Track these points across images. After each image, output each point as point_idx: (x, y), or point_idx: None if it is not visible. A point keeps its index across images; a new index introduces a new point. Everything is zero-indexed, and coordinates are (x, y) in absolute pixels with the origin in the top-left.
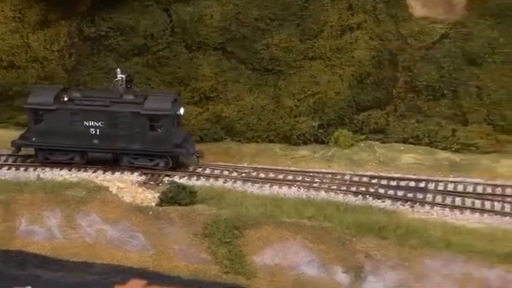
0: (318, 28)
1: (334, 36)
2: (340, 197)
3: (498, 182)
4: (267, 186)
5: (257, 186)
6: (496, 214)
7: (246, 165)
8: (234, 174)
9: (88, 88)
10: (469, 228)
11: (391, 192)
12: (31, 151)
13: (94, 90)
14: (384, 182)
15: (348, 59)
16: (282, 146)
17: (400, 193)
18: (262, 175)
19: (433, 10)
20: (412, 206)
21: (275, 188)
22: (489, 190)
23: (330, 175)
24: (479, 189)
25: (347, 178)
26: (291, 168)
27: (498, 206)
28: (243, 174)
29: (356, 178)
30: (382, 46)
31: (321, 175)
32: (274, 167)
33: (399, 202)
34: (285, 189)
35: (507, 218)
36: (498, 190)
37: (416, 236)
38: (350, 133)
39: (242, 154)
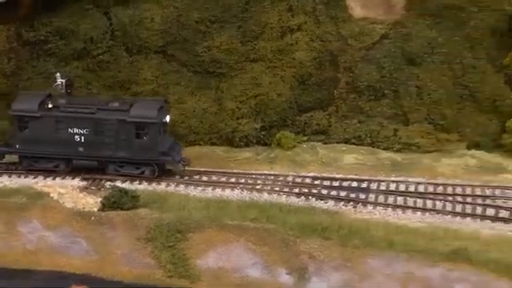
0: (259, 30)
1: (274, 38)
2: (283, 198)
3: (439, 181)
4: (210, 188)
5: (200, 188)
6: (437, 213)
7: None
8: (177, 177)
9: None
10: (411, 227)
11: (334, 193)
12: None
13: (80, 98)
14: (327, 182)
15: (289, 61)
16: (224, 149)
17: (343, 193)
18: (205, 178)
19: (372, 11)
20: (354, 207)
21: (218, 191)
22: (430, 188)
23: (272, 177)
24: (421, 188)
25: (290, 179)
26: (234, 170)
27: (439, 204)
28: (185, 178)
29: (299, 180)
30: (322, 47)
31: (263, 177)
32: (217, 170)
33: (342, 203)
34: (228, 191)
35: (449, 216)
36: (440, 189)
37: (359, 236)
38: (292, 134)
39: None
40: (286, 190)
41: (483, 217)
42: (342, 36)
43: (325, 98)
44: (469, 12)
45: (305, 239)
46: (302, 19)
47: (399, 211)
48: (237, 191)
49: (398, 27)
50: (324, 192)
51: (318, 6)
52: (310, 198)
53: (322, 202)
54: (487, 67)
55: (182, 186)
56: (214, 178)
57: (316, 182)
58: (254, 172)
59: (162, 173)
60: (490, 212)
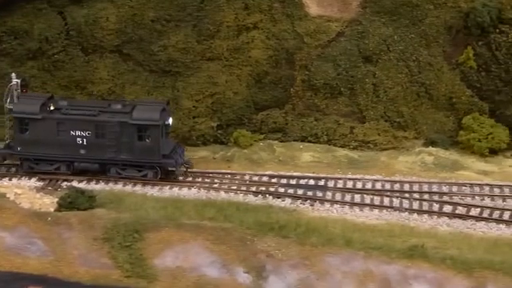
0: (215, 28)
1: (230, 36)
2: (240, 197)
3: (396, 178)
4: (167, 187)
5: (157, 188)
6: (395, 210)
7: None
8: (180, 179)
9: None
10: (368, 225)
11: (291, 191)
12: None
13: (82, 100)
14: (284, 180)
15: (245, 59)
16: None
17: (300, 191)
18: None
19: (328, 9)
20: (312, 205)
21: (175, 190)
22: (387, 186)
23: (229, 175)
24: (378, 185)
25: (247, 177)
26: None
27: (396, 202)
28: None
29: (256, 178)
30: (278, 46)
31: (221, 176)
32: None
33: (299, 201)
34: (185, 190)
35: (406, 213)
36: (397, 186)
37: (316, 234)
38: (249, 133)
39: None
40: (244, 188)
41: (440, 214)
42: (298, 34)
43: (281, 96)
44: (424, 9)
45: (262, 238)
46: (257, 17)
47: (357, 209)
48: (194, 190)
49: (354, 25)
50: (281, 190)
51: (273, 4)
52: (268, 196)
53: (280, 200)
54: (443, 64)
55: (139, 186)
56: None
57: (273, 181)
58: (211, 171)
59: (165, 175)
60: (447, 209)
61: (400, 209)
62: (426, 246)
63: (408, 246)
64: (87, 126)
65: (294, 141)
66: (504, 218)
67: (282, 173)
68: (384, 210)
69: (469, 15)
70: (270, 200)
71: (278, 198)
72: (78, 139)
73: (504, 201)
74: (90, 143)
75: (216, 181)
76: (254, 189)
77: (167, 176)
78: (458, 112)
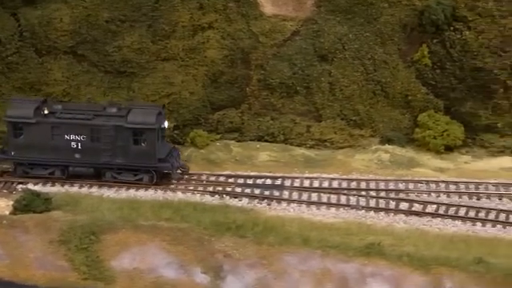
0: (170, 28)
1: (186, 36)
2: (197, 197)
3: (353, 177)
4: (123, 189)
5: (113, 189)
6: (352, 208)
7: None
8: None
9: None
10: (325, 223)
11: (248, 190)
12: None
13: (76, 103)
14: (241, 180)
15: (201, 59)
16: None
17: (257, 191)
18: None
19: (283, 8)
20: (269, 204)
21: (132, 191)
22: (344, 184)
23: (186, 176)
24: (335, 184)
25: (204, 178)
26: None
27: (353, 200)
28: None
29: (213, 178)
30: (234, 45)
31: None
32: None
33: (256, 200)
34: (141, 191)
35: (362, 211)
36: (353, 184)
37: (274, 233)
38: (206, 132)
39: None
40: (201, 188)
41: (397, 211)
42: (254, 33)
43: (237, 96)
44: (379, 8)
45: (219, 238)
46: (212, 17)
47: (314, 207)
48: (151, 191)
49: (309, 24)
50: (238, 190)
51: (228, 3)
52: (225, 196)
53: (237, 200)
54: (398, 62)
55: (95, 188)
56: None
57: (230, 180)
58: (167, 171)
59: (161, 179)
60: (404, 206)
61: (357, 207)
62: (382, 243)
63: (365, 243)
64: (82, 130)
65: (251, 140)
66: (460, 215)
67: (239, 172)
68: (341, 209)
69: (423, 13)
70: (227, 200)
71: (235, 197)
72: (73, 143)
73: (460, 197)
74: (84, 147)
75: (173, 181)
76: (211, 189)
77: (163, 180)
78: (414, 109)
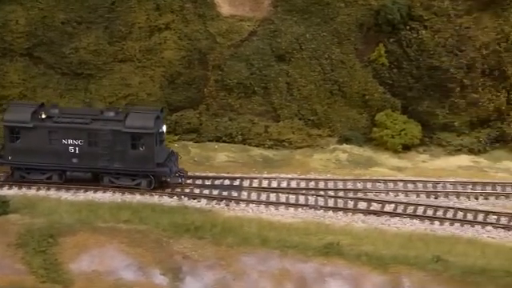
0: (127, 30)
1: (142, 37)
2: (155, 198)
3: (311, 176)
4: (81, 191)
5: (71, 192)
6: (310, 208)
7: None
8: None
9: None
10: (284, 223)
11: (206, 191)
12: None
13: (74, 107)
14: (199, 181)
15: (158, 60)
16: None
17: (215, 192)
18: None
19: (240, 8)
20: (227, 205)
21: (90, 193)
22: (302, 184)
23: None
24: (293, 184)
25: (163, 179)
26: None
27: (311, 199)
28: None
29: None
30: (191, 46)
31: None
32: None
33: (215, 201)
34: (100, 193)
35: (321, 211)
36: (312, 184)
37: (232, 234)
38: None
39: None
40: (159, 190)
41: (355, 210)
42: (211, 34)
43: (195, 97)
44: (336, 7)
45: (178, 239)
46: (169, 18)
47: (272, 208)
48: (109, 193)
49: (266, 24)
50: (197, 191)
51: (185, 4)
52: (183, 197)
53: (195, 201)
54: (355, 62)
55: (52, 190)
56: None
57: (188, 181)
58: None
59: (159, 184)
60: (362, 205)
61: (315, 207)
62: (341, 243)
63: (324, 243)
64: (79, 135)
65: (209, 141)
66: (418, 214)
67: (198, 173)
68: (299, 209)
69: (379, 13)
70: (186, 201)
71: (194, 198)
72: (71, 148)
73: (418, 196)
74: (82, 152)
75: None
76: (169, 190)
77: (161, 185)
78: (371, 109)
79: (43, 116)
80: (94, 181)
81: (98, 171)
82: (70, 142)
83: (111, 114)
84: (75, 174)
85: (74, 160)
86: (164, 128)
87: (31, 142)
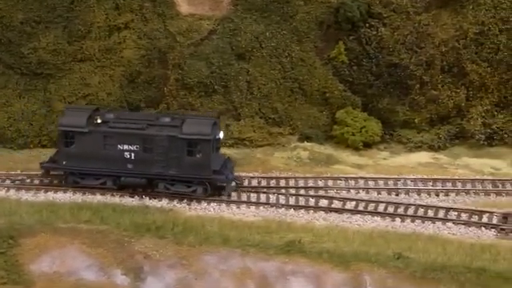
0: (86, 29)
1: (102, 37)
2: (117, 198)
3: (273, 175)
4: (42, 192)
5: (31, 193)
6: (271, 207)
7: (19, 172)
8: (7, 182)
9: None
10: (245, 222)
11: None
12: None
13: (129, 112)
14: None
15: (117, 59)
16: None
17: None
18: (37, 182)
19: (199, 7)
20: (189, 204)
21: (50, 194)
22: (263, 182)
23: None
24: (254, 182)
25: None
26: None
27: (272, 198)
28: (17, 182)
29: None
30: (150, 45)
31: None
32: None
33: (176, 200)
34: (60, 194)
35: (282, 209)
36: (273, 183)
37: (194, 233)
38: None
39: (15, 160)
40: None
41: (316, 208)
42: (170, 33)
43: (155, 96)
44: (295, 5)
45: (139, 239)
46: (128, 17)
47: (233, 206)
48: (69, 193)
49: (226, 22)
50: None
51: (144, 3)
52: (144, 196)
53: (156, 200)
54: (315, 60)
55: (12, 191)
56: (46, 180)
57: None
58: None
59: (213, 191)
60: (323, 203)
61: (277, 205)
62: (303, 241)
63: (285, 241)
64: (135, 140)
65: None
66: (379, 211)
67: None
68: (261, 207)
69: (339, 10)
70: (147, 201)
71: (155, 198)
72: (126, 153)
73: (379, 193)
74: (137, 158)
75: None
76: (130, 190)
77: (216, 192)
78: (332, 106)
79: (98, 121)
80: (149, 187)
81: (153, 177)
82: (125, 147)
83: (167, 119)
84: (130, 179)
85: (129, 166)
86: (221, 135)
87: (86, 146)
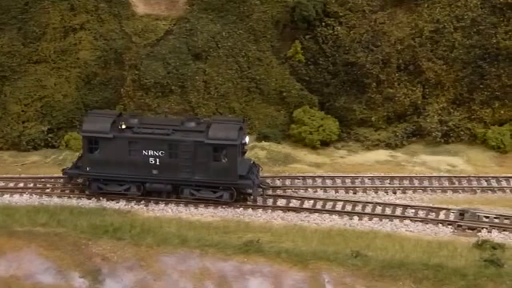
0: (41, 31)
1: (57, 38)
2: (74, 201)
3: None
4: None
5: None
6: (229, 207)
7: None
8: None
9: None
10: (203, 222)
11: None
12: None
13: (153, 117)
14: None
15: (73, 61)
16: (11, 153)
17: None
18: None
19: (155, 7)
20: (146, 205)
21: (6, 197)
22: None
23: (62, 180)
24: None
25: (80, 181)
26: (22, 175)
27: None
28: None
29: None
30: (106, 46)
31: (53, 180)
32: (4, 175)
33: (133, 202)
34: (16, 197)
35: (240, 209)
36: None
37: (151, 234)
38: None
39: None
40: (77, 192)
41: (274, 207)
42: (126, 33)
43: (112, 97)
44: (251, 5)
45: (97, 241)
46: (84, 18)
47: (191, 207)
48: (26, 196)
49: (182, 23)
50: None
51: (100, 4)
52: (102, 198)
53: (114, 202)
54: (272, 59)
55: None
56: (1, 183)
57: None
58: (42, 176)
59: (239, 197)
60: (281, 202)
61: (234, 205)
62: (261, 240)
63: (243, 241)
64: (161, 146)
65: None
66: (337, 209)
67: None
68: (219, 207)
69: (295, 9)
70: (105, 202)
71: (112, 200)
72: (151, 159)
73: (336, 192)
74: (162, 163)
75: (48, 185)
76: (87, 192)
77: (242, 197)
78: (289, 105)
79: (123, 126)
80: (174, 193)
81: (179, 183)
82: (150, 153)
83: (192, 124)
84: (155, 185)
85: (154, 171)
86: (247, 139)
87: (110, 152)
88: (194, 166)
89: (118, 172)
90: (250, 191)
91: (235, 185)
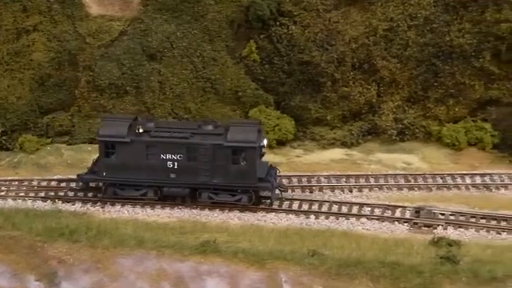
0: None
1: (10, 39)
2: (29, 203)
3: None
4: None
5: None
6: (186, 207)
7: None
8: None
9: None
10: (160, 223)
11: (81, 194)
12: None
13: (169, 121)
14: (73, 184)
15: (27, 62)
16: None
17: (90, 194)
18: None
19: (109, 8)
20: (103, 207)
21: None
22: None
23: (17, 182)
24: None
25: (35, 183)
26: None
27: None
28: None
29: (44, 183)
30: (60, 47)
31: (7, 183)
32: None
33: (90, 204)
34: None
35: (197, 209)
36: None
37: (108, 236)
38: (35, 137)
39: None
40: (32, 194)
41: (231, 207)
42: (80, 34)
43: (66, 99)
44: (206, 5)
45: (52, 244)
46: (37, 19)
47: (148, 208)
48: None
49: (136, 23)
50: (71, 194)
51: (53, 5)
52: (57, 201)
53: (70, 204)
54: (227, 59)
55: None
56: None
57: (62, 185)
58: None
59: (257, 200)
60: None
61: (191, 205)
62: (217, 240)
63: (200, 241)
64: (179, 149)
65: (82, 143)
66: (293, 208)
67: (72, 176)
68: (175, 208)
69: (249, 9)
70: (60, 205)
71: (68, 202)
72: (169, 163)
73: (293, 191)
74: (181, 167)
75: (3, 188)
76: (42, 194)
77: (260, 200)
78: (245, 105)
79: (140, 130)
80: (191, 197)
81: (197, 187)
82: (168, 156)
83: (210, 127)
84: (173, 189)
85: (172, 175)
86: (265, 142)
87: (127, 157)
88: (212, 170)
89: (135, 176)
90: (268, 194)
91: (254, 188)
